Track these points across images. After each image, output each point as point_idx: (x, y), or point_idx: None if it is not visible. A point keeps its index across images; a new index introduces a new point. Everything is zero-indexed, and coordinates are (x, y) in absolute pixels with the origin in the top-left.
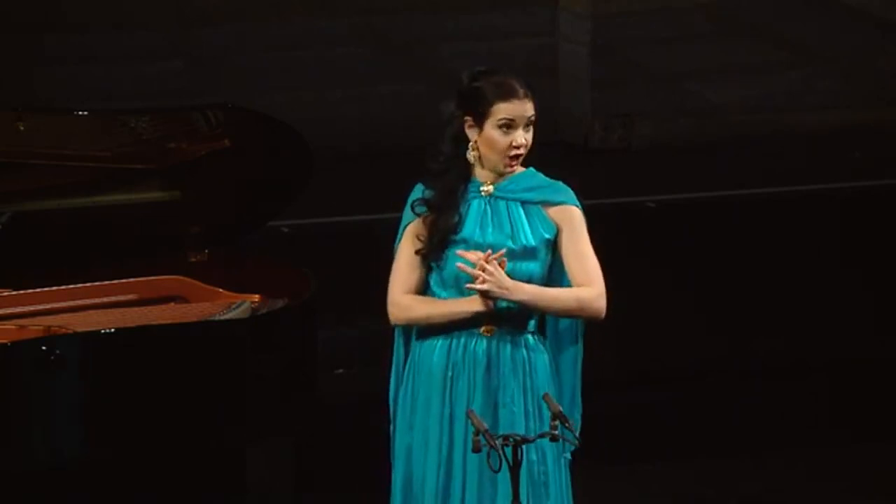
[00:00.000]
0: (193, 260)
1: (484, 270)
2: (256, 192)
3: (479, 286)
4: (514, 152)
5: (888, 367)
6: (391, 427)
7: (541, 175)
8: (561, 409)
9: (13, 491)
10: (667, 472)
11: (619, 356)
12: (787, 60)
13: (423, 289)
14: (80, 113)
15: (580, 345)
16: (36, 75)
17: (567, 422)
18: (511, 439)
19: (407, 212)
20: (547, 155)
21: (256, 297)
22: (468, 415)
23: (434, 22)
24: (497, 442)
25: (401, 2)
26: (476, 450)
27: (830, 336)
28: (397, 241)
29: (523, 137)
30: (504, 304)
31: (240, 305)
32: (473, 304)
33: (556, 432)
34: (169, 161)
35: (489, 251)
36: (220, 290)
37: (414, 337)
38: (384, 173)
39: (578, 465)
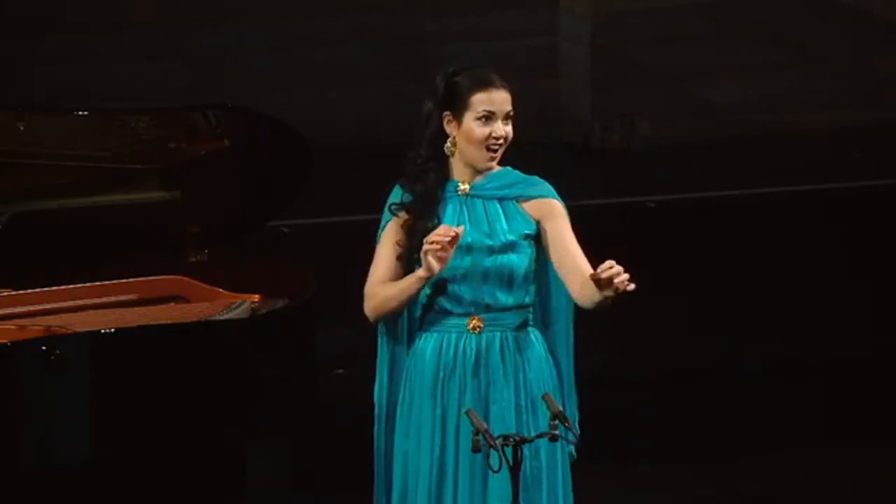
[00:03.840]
0: (193, 260)
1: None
2: (256, 192)
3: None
4: (493, 143)
5: (888, 367)
6: (375, 428)
7: (517, 172)
8: (561, 409)
9: (13, 491)
10: (667, 472)
11: (619, 356)
12: (787, 60)
13: None
14: (80, 113)
15: (571, 332)
16: (36, 75)
17: (567, 422)
18: (511, 439)
19: (385, 214)
20: (547, 155)
21: (256, 297)
22: (467, 414)
23: (434, 22)
24: (497, 442)
25: (401, 2)
26: (476, 450)
27: (830, 336)
28: (377, 243)
29: (503, 129)
30: (490, 300)
31: (240, 305)
32: (419, 273)
33: (556, 432)
34: (169, 161)
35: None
36: (220, 290)
37: (406, 344)
38: (384, 173)
39: (578, 465)
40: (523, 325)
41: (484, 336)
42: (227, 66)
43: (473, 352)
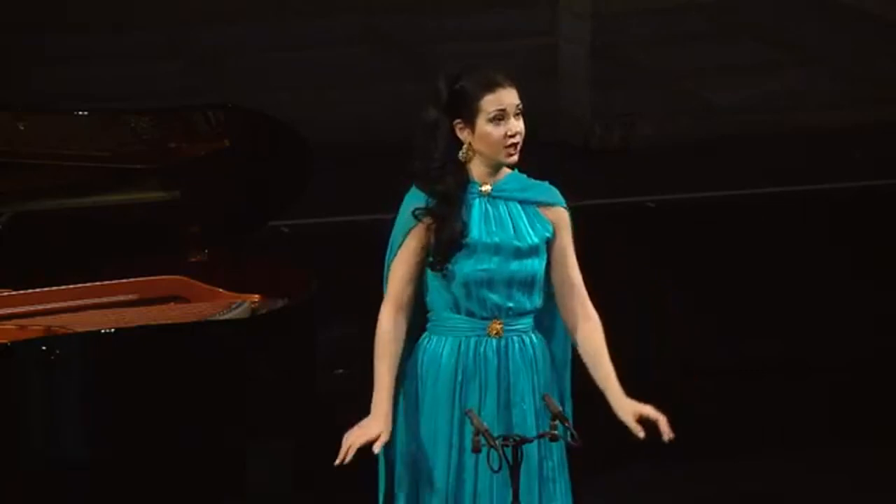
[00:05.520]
0: (193, 260)
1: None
2: (256, 192)
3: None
4: (511, 141)
5: (888, 367)
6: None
7: (527, 177)
8: (561, 409)
9: (13, 491)
10: (667, 472)
11: (619, 356)
12: (787, 60)
13: (414, 302)
14: (80, 113)
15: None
16: (36, 75)
17: (567, 422)
18: (511, 439)
19: (407, 219)
20: (547, 155)
21: (256, 297)
22: (467, 415)
23: (434, 22)
24: (497, 442)
25: (401, 2)
26: (476, 450)
27: (830, 336)
28: (393, 251)
29: (517, 125)
30: (514, 304)
31: (240, 305)
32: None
33: (556, 432)
34: (169, 161)
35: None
36: (220, 290)
37: (408, 344)
38: (384, 173)
39: (578, 465)
40: (534, 328)
41: (504, 340)
42: (227, 66)
43: (495, 355)
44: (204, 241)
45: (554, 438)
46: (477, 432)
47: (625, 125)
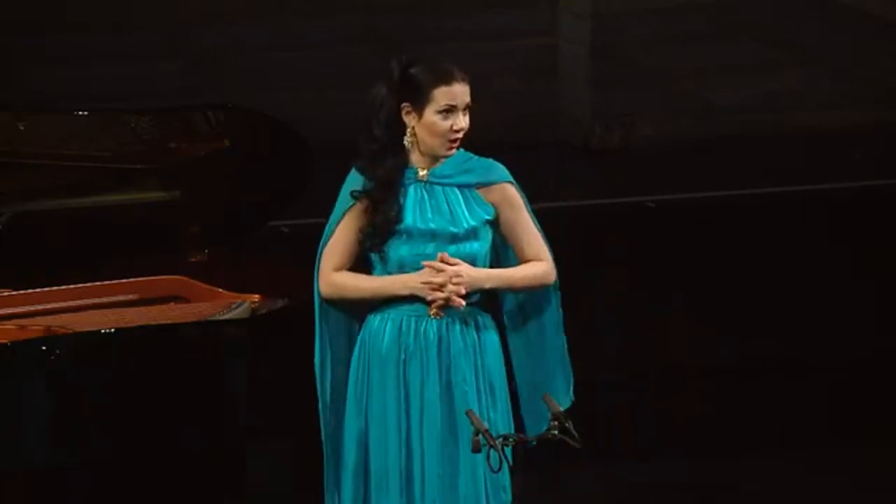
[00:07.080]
0: (193, 260)
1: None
2: (256, 193)
3: (454, 290)
4: (455, 136)
5: (888, 367)
6: (320, 404)
7: (472, 156)
8: (561, 409)
9: (13, 491)
10: (667, 472)
11: (619, 356)
12: (787, 60)
13: (356, 267)
14: (80, 113)
15: (560, 311)
16: (36, 75)
17: (567, 421)
18: (511, 439)
19: (346, 199)
20: (547, 155)
21: (256, 297)
22: (468, 415)
23: (434, 22)
24: (497, 442)
25: (401, 2)
26: (476, 450)
27: (830, 336)
28: (331, 229)
29: (463, 121)
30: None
31: (240, 305)
32: (408, 285)
33: (556, 432)
34: (169, 161)
35: (443, 254)
36: (220, 290)
37: (350, 322)
38: None
39: (577, 466)
40: (479, 308)
41: (445, 321)
42: (227, 66)
43: (435, 335)
44: (204, 241)
45: (554, 438)
46: (477, 432)
47: (625, 125)
